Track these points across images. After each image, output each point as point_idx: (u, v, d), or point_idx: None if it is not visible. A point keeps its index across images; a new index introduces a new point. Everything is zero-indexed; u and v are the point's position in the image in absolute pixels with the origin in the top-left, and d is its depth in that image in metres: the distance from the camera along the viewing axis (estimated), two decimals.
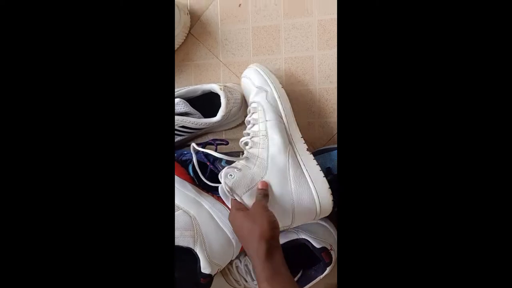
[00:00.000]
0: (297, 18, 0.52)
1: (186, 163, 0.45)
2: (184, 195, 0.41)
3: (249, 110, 0.45)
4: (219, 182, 0.44)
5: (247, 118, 0.45)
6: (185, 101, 0.47)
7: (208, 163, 0.42)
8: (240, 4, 0.54)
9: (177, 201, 0.40)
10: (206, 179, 0.44)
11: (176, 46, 0.56)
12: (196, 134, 0.53)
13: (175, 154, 0.48)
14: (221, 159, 0.44)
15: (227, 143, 0.50)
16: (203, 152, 0.44)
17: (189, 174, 0.44)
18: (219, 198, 0.43)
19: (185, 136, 0.52)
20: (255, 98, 0.44)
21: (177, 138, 0.52)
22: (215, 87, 0.47)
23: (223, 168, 0.43)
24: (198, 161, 0.45)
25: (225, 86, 0.47)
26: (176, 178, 0.42)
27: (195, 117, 0.48)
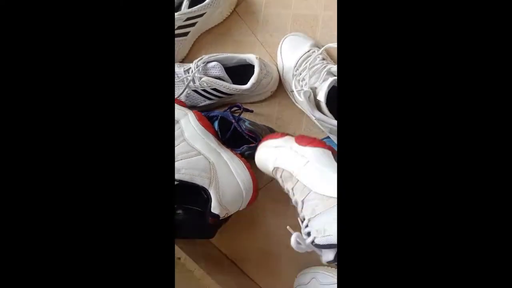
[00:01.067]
0: (336, 12, 0.56)
1: (212, 119, 0.49)
2: (207, 144, 0.44)
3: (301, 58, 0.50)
4: (241, 141, 0.48)
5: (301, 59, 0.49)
6: (221, 65, 0.51)
7: (234, 121, 0.46)
8: None
9: (200, 147, 0.44)
10: (229, 137, 0.48)
11: (220, 19, 0.60)
12: (224, 100, 0.57)
13: (203, 113, 0.52)
14: (245, 120, 0.47)
15: (252, 111, 0.54)
16: (230, 111, 0.48)
17: (213, 128, 0.48)
18: (237, 154, 0.46)
19: (214, 101, 0.56)
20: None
21: (206, 102, 0.56)
22: (251, 57, 0.51)
23: (246, 129, 0.46)
24: (223, 119, 0.49)
25: (260, 58, 0.51)
26: (202, 129, 0.46)
27: (227, 83, 0.52)
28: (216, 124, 0.48)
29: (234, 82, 0.54)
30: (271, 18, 0.60)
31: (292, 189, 0.38)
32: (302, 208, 0.36)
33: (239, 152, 0.47)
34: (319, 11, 0.58)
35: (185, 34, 0.59)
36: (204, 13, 0.56)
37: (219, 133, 0.47)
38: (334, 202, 0.33)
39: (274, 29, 0.60)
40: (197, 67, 0.51)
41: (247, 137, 0.47)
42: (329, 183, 0.34)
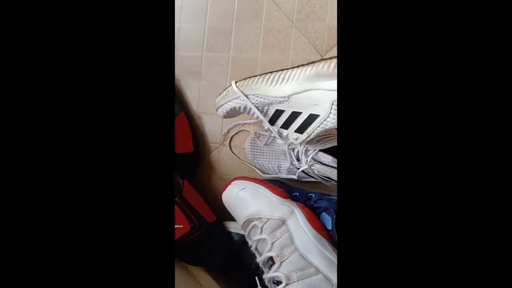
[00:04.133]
0: None
1: (316, 211, 0.41)
2: (324, 257, 0.36)
3: None
4: None
5: None
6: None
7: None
8: None
9: (317, 261, 0.35)
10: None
11: None
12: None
13: (298, 193, 0.43)
14: None
15: None
16: None
17: (325, 228, 0.39)
18: None
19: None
20: None
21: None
22: None
23: None
24: (336, 212, 0.40)
25: None
26: (315, 234, 0.37)
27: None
28: (330, 221, 0.39)
29: None
30: None
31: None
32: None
33: None
34: None
35: None
36: None
37: (335, 235, 0.38)
38: None
39: None
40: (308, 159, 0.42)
41: None
42: None
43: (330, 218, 0.39)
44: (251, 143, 0.51)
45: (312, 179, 0.45)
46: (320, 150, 0.41)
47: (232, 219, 0.50)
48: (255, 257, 0.42)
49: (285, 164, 0.48)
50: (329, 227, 0.39)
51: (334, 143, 0.42)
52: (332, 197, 0.42)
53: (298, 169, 0.44)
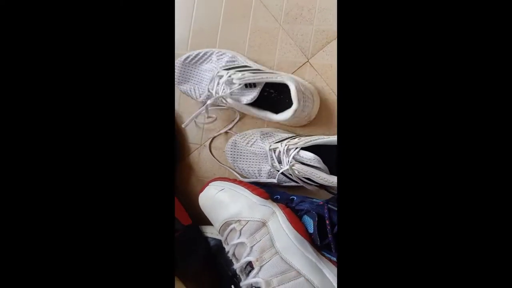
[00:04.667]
0: None
1: (298, 214, 0.39)
2: (306, 260, 0.34)
3: None
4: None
5: None
6: (319, 159, 0.40)
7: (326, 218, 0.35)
8: None
9: (299, 264, 0.33)
10: (328, 242, 0.37)
11: None
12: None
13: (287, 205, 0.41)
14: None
15: None
16: (327, 207, 0.37)
17: (307, 229, 0.37)
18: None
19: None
20: None
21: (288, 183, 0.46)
22: None
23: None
24: (318, 215, 0.38)
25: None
26: (296, 235, 0.35)
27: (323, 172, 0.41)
28: (311, 224, 0.37)
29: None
30: None
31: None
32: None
33: (335, 259, 0.36)
34: None
35: None
36: None
37: (317, 238, 0.36)
38: None
39: None
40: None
41: None
42: None
43: (312, 221, 0.37)
44: (232, 146, 0.49)
45: (292, 183, 0.44)
46: (302, 148, 0.40)
47: (209, 223, 0.47)
48: (232, 263, 0.39)
49: (266, 168, 0.46)
50: (311, 230, 0.37)
51: (315, 142, 0.40)
52: (314, 200, 0.41)
53: (278, 171, 0.43)
